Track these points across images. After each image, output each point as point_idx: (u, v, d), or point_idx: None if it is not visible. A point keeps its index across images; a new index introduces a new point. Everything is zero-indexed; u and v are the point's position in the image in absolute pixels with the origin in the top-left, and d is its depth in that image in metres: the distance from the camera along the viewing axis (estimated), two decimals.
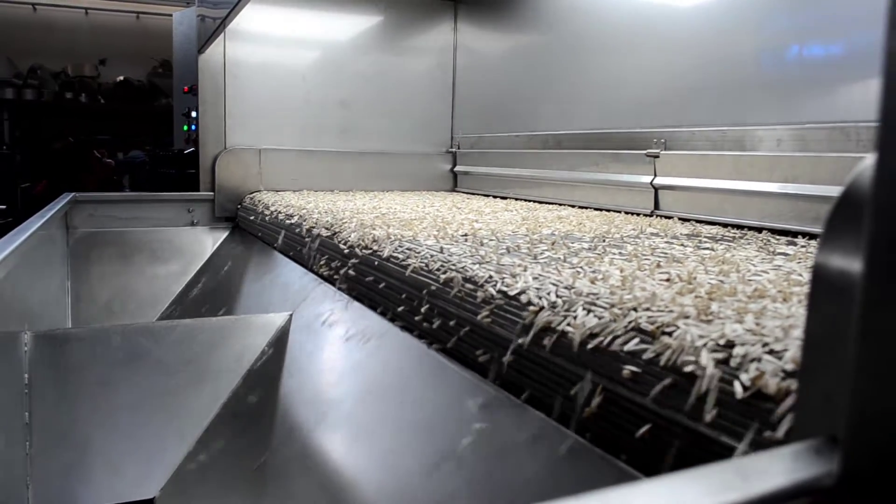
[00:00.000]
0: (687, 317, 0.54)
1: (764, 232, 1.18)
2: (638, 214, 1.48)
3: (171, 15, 3.77)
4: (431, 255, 0.89)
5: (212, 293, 1.78)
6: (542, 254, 0.87)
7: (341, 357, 1.04)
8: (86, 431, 1.06)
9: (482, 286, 0.74)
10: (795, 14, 1.25)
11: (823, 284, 0.34)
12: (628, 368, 0.52)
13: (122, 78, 5.45)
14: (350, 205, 1.59)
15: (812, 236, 1.11)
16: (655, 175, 1.49)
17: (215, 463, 1.05)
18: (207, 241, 2.05)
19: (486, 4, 2.23)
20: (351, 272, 1.08)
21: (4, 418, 0.96)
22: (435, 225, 1.17)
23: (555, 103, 1.91)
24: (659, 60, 1.54)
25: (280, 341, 1.16)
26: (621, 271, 0.73)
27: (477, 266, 0.80)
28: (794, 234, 1.14)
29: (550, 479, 0.57)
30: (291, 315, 1.19)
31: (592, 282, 0.69)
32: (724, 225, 1.28)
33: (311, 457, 0.90)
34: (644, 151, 1.51)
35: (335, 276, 1.16)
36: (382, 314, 0.97)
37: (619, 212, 1.53)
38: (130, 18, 5.70)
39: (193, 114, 2.78)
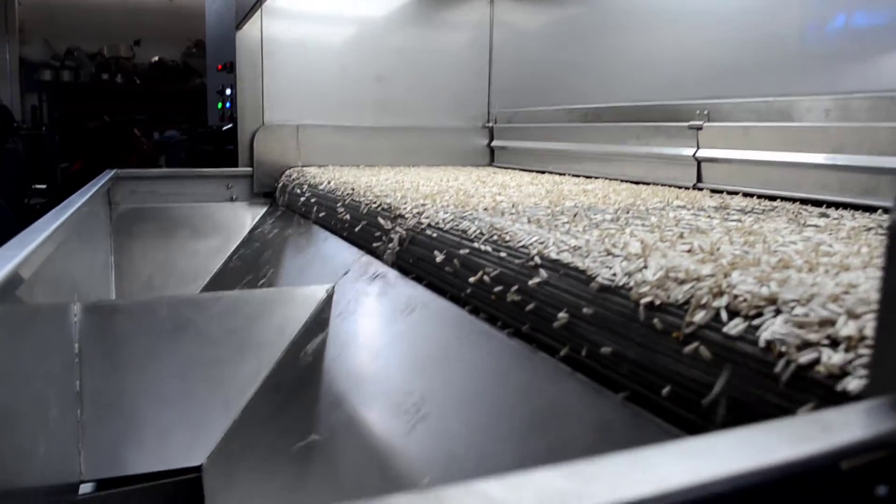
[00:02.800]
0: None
1: (796, 203, 1.15)
2: (680, 187, 1.46)
3: None
4: (448, 228, 0.90)
5: (252, 267, 1.80)
6: (561, 225, 0.86)
7: (384, 328, 1.04)
8: (134, 400, 1.08)
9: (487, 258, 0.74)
10: None
11: None
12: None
13: (156, 58, 5.51)
14: (374, 179, 1.59)
15: (856, 208, 1.08)
16: (698, 147, 1.46)
17: (260, 432, 1.07)
18: (246, 217, 2.07)
19: None
20: (391, 244, 1.09)
21: (57, 387, 0.98)
22: (456, 199, 1.16)
23: (594, 76, 1.88)
24: (701, 31, 1.51)
25: (322, 313, 1.17)
26: (641, 242, 0.72)
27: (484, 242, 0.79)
28: (847, 206, 1.12)
29: (597, 442, 0.57)
30: (333, 287, 1.20)
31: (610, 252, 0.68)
32: (771, 198, 1.25)
33: (357, 426, 0.91)
34: (686, 123, 1.49)
35: (373, 249, 1.16)
36: (426, 284, 0.97)
37: (662, 185, 1.51)
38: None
39: (228, 91, 2.79)
